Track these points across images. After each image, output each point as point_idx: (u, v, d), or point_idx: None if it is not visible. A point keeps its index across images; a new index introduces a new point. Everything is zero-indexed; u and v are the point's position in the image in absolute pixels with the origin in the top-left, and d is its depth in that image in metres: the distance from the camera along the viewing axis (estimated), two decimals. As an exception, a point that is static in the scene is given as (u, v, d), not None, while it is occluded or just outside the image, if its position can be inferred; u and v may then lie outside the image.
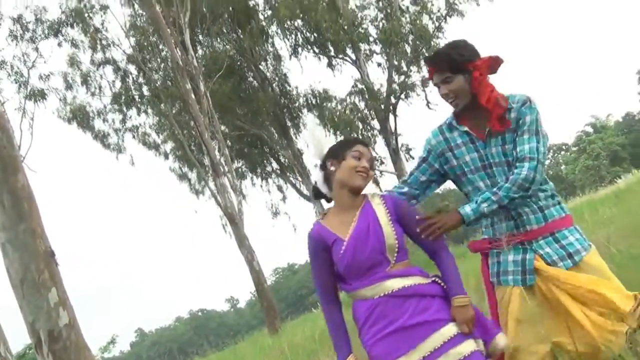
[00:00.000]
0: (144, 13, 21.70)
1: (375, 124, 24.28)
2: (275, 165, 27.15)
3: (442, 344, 2.60)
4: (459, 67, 2.93)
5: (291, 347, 9.73)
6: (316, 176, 2.99)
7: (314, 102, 25.39)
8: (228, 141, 23.90)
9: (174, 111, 22.98)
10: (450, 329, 2.64)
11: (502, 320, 2.95)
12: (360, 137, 24.39)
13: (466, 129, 3.00)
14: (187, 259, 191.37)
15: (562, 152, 78.23)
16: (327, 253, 2.78)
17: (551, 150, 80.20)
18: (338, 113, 24.15)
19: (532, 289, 2.86)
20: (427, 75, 3.10)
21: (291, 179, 26.70)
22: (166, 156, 25.87)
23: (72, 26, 22.19)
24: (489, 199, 2.83)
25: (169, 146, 25.72)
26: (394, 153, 23.15)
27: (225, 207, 19.41)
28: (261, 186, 27.45)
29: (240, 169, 26.75)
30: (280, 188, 27.28)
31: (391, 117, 23.67)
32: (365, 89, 23.86)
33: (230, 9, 23.38)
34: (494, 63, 2.96)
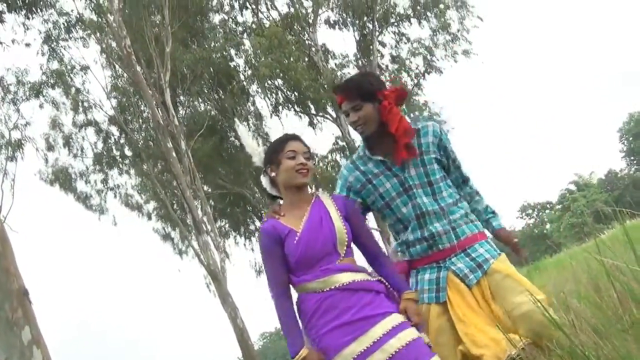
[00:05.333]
0: (125, 74, 21.91)
1: (357, 179, 24.23)
2: (258, 224, 27.00)
3: (390, 329, 2.69)
4: (369, 95, 3.05)
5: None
6: (264, 183, 3.07)
7: (296, 160, 25.48)
8: (211, 200, 23.94)
9: (155, 171, 23.09)
10: (396, 318, 2.75)
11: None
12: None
13: (380, 157, 3.11)
14: (173, 321, 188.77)
15: (547, 211, 78.50)
16: (280, 247, 2.83)
17: (535, 209, 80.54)
18: (320, 170, 24.27)
19: (445, 305, 2.99)
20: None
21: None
22: (149, 217, 25.79)
23: (53, 87, 22.45)
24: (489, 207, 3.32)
25: (151, 206, 25.70)
26: (377, 209, 23.16)
27: (208, 265, 19.31)
28: (244, 245, 27.32)
29: (223, 228, 26.70)
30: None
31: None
32: (346, 146, 24.04)
33: (211, 69, 23.65)
34: (401, 95, 3.10)
